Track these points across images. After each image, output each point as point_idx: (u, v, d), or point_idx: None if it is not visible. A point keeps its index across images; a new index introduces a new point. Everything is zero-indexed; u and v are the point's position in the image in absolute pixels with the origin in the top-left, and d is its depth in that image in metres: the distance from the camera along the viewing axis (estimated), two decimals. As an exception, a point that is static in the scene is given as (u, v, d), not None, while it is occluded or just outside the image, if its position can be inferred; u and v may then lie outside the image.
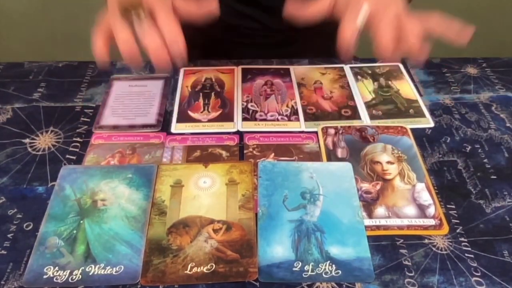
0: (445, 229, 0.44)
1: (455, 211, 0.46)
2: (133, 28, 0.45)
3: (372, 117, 0.56)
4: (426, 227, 0.44)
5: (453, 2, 1.36)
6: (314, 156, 0.51)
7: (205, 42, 0.77)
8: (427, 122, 0.56)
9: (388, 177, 0.49)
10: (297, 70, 0.63)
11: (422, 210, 0.45)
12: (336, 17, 0.50)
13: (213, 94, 0.59)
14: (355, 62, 0.65)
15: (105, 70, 0.59)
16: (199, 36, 0.77)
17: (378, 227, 0.44)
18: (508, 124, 0.56)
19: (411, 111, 0.57)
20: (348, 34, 0.47)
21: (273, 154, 0.51)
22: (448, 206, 0.46)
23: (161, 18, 0.46)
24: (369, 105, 0.58)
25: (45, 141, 0.53)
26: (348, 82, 0.62)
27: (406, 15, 0.47)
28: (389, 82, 0.62)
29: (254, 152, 0.51)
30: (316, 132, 0.54)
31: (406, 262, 0.41)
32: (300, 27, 0.75)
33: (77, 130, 0.54)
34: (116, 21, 0.45)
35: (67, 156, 0.51)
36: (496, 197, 0.47)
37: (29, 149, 0.51)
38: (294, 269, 0.40)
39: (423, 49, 0.46)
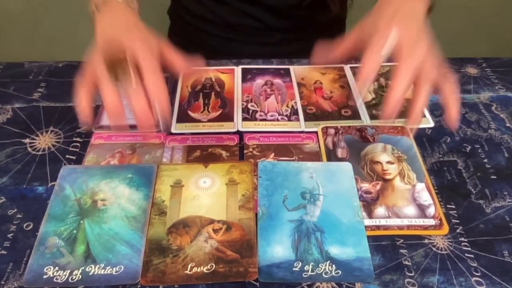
0: (445, 229, 0.44)
1: (455, 211, 0.46)
2: (118, 83, 0.44)
3: (372, 117, 0.56)
4: (426, 227, 0.44)
5: (454, 2, 1.36)
6: (314, 156, 0.51)
7: (205, 41, 0.77)
8: (427, 122, 0.56)
9: (388, 177, 0.49)
10: (297, 70, 0.63)
11: (422, 210, 0.45)
12: (364, 47, 0.49)
13: (213, 94, 0.59)
14: (355, 62, 0.65)
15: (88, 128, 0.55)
16: (201, 34, 0.77)
17: (378, 227, 0.44)
18: (508, 124, 0.56)
19: (411, 111, 0.57)
20: (370, 66, 0.47)
21: (273, 154, 0.51)
22: (448, 206, 0.46)
23: (148, 75, 0.45)
24: (369, 105, 0.58)
25: (45, 141, 0.53)
26: (348, 82, 0.62)
27: (429, 65, 0.46)
28: (389, 82, 0.62)
29: (254, 152, 0.51)
30: (316, 132, 0.54)
31: (406, 262, 0.41)
32: (300, 27, 0.75)
33: (77, 130, 0.54)
34: (102, 78, 0.44)
35: (67, 156, 0.51)
36: (496, 197, 0.47)
37: (29, 149, 0.51)
38: (294, 269, 0.40)
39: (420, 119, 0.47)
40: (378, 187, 0.48)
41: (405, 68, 0.46)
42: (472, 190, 0.48)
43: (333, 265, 0.41)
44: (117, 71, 0.44)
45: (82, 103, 0.45)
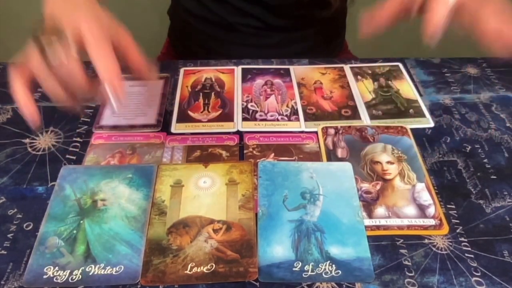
0: (445, 229, 0.44)
1: (455, 211, 0.46)
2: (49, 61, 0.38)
3: (372, 117, 0.56)
4: (426, 227, 0.44)
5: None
6: (314, 156, 0.51)
7: (205, 41, 0.77)
8: (427, 122, 0.56)
9: (388, 177, 0.49)
10: (297, 70, 0.63)
11: (422, 210, 0.45)
12: (414, 9, 0.46)
13: (213, 94, 0.59)
14: (355, 62, 0.65)
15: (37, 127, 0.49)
16: (200, 34, 0.77)
17: (378, 227, 0.44)
18: (508, 124, 0.56)
19: (411, 111, 0.57)
20: (436, 18, 0.43)
21: (273, 154, 0.51)
22: (448, 206, 0.46)
23: (94, 47, 0.39)
24: (369, 105, 0.58)
25: (45, 141, 0.53)
26: (348, 82, 0.62)
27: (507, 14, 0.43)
28: (389, 82, 0.62)
29: (254, 152, 0.51)
30: (316, 132, 0.54)
31: (406, 262, 0.41)
32: (300, 26, 0.75)
33: (77, 130, 0.54)
34: (34, 62, 0.39)
35: (67, 156, 0.51)
36: (496, 197, 0.47)
37: (29, 149, 0.51)
38: (294, 269, 0.40)
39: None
40: (378, 187, 0.48)
41: (485, 11, 0.43)
42: (472, 190, 0.48)
43: (333, 265, 0.41)
44: (41, 40, 0.38)
45: (22, 100, 0.40)
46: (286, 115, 0.56)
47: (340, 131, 0.54)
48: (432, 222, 0.44)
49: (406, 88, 0.61)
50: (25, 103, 0.40)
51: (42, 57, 0.39)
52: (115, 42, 0.41)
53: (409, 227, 0.44)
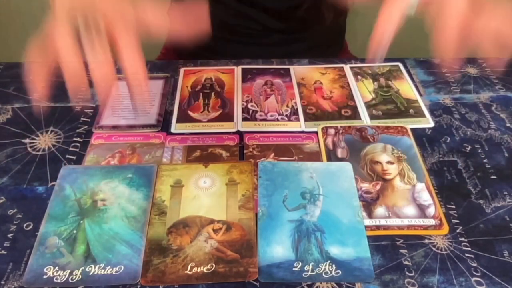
0: (445, 229, 0.44)
1: (455, 211, 0.46)
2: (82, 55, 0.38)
3: (372, 117, 0.56)
4: (426, 227, 0.44)
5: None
6: (314, 156, 0.51)
7: (204, 41, 0.77)
8: (427, 122, 0.56)
9: (388, 177, 0.49)
10: (297, 70, 0.63)
11: (422, 210, 0.45)
12: None
13: (213, 94, 0.59)
14: (355, 62, 0.65)
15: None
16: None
17: (378, 227, 0.44)
18: (508, 124, 0.56)
19: (411, 111, 0.57)
20: (385, 24, 0.39)
21: (273, 154, 0.51)
22: (448, 206, 0.46)
23: (126, 52, 0.39)
24: (369, 105, 0.58)
25: (45, 141, 0.53)
26: (348, 82, 0.62)
27: (477, 8, 0.39)
28: (389, 82, 0.62)
29: (254, 152, 0.51)
30: (316, 132, 0.54)
31: (406, 262, 0.41)
32: (299, 28, 0.75)
33: (77, 130, 0.54)
34: (64, 53, 0.38)
35: (67, 156, 0.51)
36: (496, 197, 0.47)
37: (29, 149, 0.51)
38: (294, 269, 0.40)
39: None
40: (378, 187, 0.48)
41: (449, 14, 0.38)
42: (472, 190, 0.48)
43: (333, 265, 0.41)
44: (84, 40, 0.37)
45: (36, 80, 0.39)
46: (286, 115, 0.56)
47: (340, 131, 0.54)
48: (432, 222, 0.44)
49: (406, 88, 0.61)
50: (36, 83, 0.39)
51: (76, 45, 0.38)
52: (138, 22, 0.41)
53: (409, 227, 0.44)
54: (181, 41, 0.43)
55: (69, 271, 0.40)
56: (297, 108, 0.57)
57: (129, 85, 0.39)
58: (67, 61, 0.38)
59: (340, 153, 0.51)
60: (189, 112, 0.57)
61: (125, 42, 0.39)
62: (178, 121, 0.55)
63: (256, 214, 0.45)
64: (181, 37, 0.43)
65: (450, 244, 0.43)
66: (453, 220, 0.45)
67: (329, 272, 0.40)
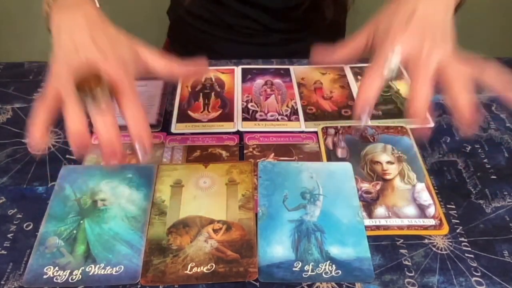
0: (445, 229, 0.44)
1: (455, 211, 0.46)
2: (85, 104, 0.38)
3: (372, 117, 0.56)
4: (426, 227, 0.44)
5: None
6: (314, 156, 0.51)
7: (204, 41, 0.77)
8: (427, 122, 0.56)
9: (388, 177, 0.49)
10: (297, 70, 0.63)
11: (422, 210, 0.45)
12: (374, 49, 0.44)
13: (213, 94, 0.59)
14: (355, 62, 0.65)
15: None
16: (200, 34, 0.77)
17: (378, 227, 0.44)
18: (508, 124, 0.56)
19: (411, 111, 0.57)
20: (368, 91, 0.42)
21: (273, 154, 0.51)
22: (448, 206, 0.46)
23: (127, 104, 0.39)
24: (369, 105, 0.58)
25: (45, 141, 0.52)
26: (348, 82, 0.62)
27: (454, 63, 0.41)
28: (389, 82, 0.62)
29: (254, 152, 0.51)
30: (316, 132, 0.54)
31: (406, 262, 0.41)
32: (299, 28, 0.75)
33: (77, 130, 0.54)
34: (68, 100, 0.38)
35: (67, 156, 0.51)
36: (496, 197, 0.47)
37: (29, 149, 0.51)
38: (294, 269, 0.40)
39: (473, 117, 0.39)
40: (378, 187, 0.48)
41: (422, 78, 0.41)
42: (472, 190, 0.48)
43: (333, 265, 0.41)
44: (84, 89, 0.38)
45: (36, 131, 0.38)
46: (286, 115, 0.56)
47: (340, 131, 0.54)
48: (432, 222, 0.44)
49: (406, 88, 0.61)
50: (36, 140, 0.39)
51: (79, 101, 0.38)
52: (138, 62, 0.43)
53: (409, 227, 0.44)
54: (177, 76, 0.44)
55: (69, 271, 0.40)
56: (297, 108, 0.57)
57: (133, 143, 0.39)
58: (70, 112, 0.38)
59: (340, 153, 0.51)
60: (189, 112, 0.57)
61: (129, 102, 0.39)
62: (178, 121, 0.55)
63: (256, 214, 0.45)
64: (179, 75, 0.45)
65: (450, 244, 0.43)
66: (453, 220, 0.45)
67: (329, 272, 0.40)
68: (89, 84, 0.38)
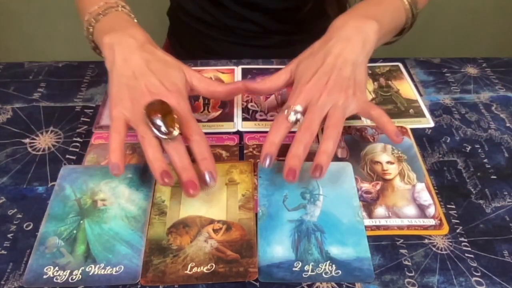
0: (445, 229, 0.44)
1: (455, 211, 0.46)
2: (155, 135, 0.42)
3: (372, 117, 0.56)
4: (426, 227, 0.44)
5: (454, 2, 1.36)
6: (314, 156, 0.51)
7: (204, 42, 0.77)
8: (427, 122, 0.56)
9: (388, 177, 0.49)
10: (297, 70, 0.63)
11: (422, 210, 0.45)
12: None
13: (213, 94, 0.59)
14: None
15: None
16: (200, 36, 0.77)
17: (378, 227, 0.44)
18: (508, 124, 0.56)
19: (411, 111, 0.57)
20: (274, 137, 0.45)
21: (273, 154, 0.51)
22: (448, 206, 0.46)
23: (192, 135, 0.44)
24: (369, 105, 0.58)
25: (45, 141, 0.53)
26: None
27: (339, 115, 0.45)
28: (389, 82, 0.62)
29: (254, 152, 0.51)
30: (316, 132, 0.54)
31: (406, 262, 0.41)
32: (300, 30, 0.75)
33: (77, 130, 0.54)
34: (146, 136, 0.42)
35: (67, 156, 0.51)
36: (496, 197, 0.47)
37: (29, 149, 0.51)
38: (294, 269, 0.40)
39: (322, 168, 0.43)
40: (378, 187, 0.48)
41: (308, 122, 0.45)
42: (472, 190, 0.48)
43: (333, 265, 0.41)
44: (152, 117, 0.42)
45: (113, 149, 0.42)
46: (286, 115, 0.56)
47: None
48: (432, 222, 0.44)
49: (406, 88, 0.61)
50: (118, 166, 0.42)
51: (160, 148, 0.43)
52: (189, 85, 0.49)
53: (409, 227, 0.44)
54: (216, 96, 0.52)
55: (69, 271, 0.40)
56: (297, 108, 0.57)
57: (200, 168, 0.43)
58: (153, 156, 0.42)
59: (340, 153, 0.51)
60: (189, 112, 0.57)
61: (197, 136, 0.44)
62: (178, 121, 0.55)
63: (256, 214, 0.45)
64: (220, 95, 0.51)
65: (450, 244, 0.43)
66: (453, 220, 0.45)
67: (329, 272, 0.40)
68: (155, 113, 0.42)
